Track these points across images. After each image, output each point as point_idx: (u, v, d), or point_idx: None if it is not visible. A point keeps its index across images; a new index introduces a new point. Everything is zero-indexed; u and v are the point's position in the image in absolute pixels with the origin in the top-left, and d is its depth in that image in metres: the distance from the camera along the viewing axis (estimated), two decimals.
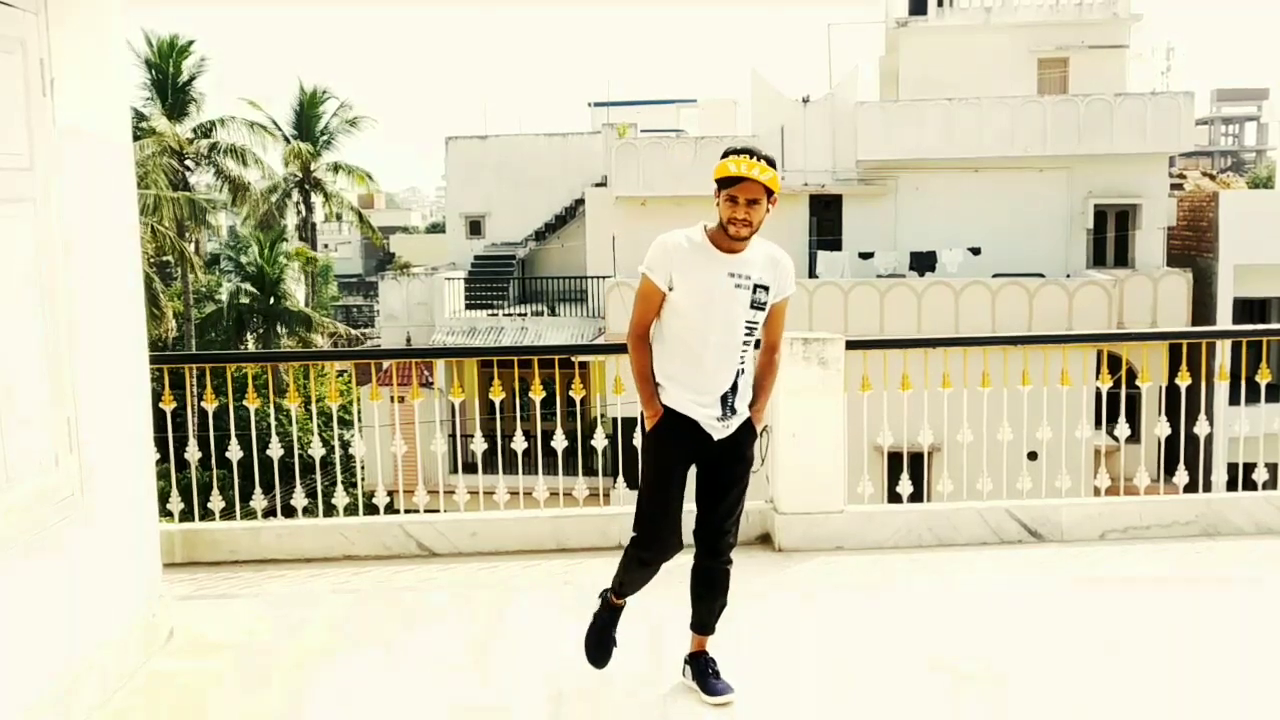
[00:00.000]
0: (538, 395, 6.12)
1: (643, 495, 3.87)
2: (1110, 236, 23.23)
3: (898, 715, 3.89)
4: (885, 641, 4.56)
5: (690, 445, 3.81)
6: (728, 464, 3.85)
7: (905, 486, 6.18)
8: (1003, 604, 5.01)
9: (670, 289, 3.76)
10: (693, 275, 3.72)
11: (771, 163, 3.66)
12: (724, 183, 3.65)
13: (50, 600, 3.72)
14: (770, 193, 3.67)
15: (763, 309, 3.78)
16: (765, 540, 5.92)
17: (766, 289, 3.78)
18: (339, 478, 6.33)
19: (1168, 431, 6.30)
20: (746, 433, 3.88)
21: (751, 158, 3.61)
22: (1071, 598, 5.10)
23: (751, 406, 3.88)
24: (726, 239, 3.71)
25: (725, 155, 3.65)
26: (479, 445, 6.21)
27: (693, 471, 3.89)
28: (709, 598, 3.96)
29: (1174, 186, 24.95)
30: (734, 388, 3.79)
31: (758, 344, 3.92)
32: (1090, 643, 4.47)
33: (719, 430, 3.79)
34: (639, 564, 3.90)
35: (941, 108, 22.89)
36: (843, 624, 4.78)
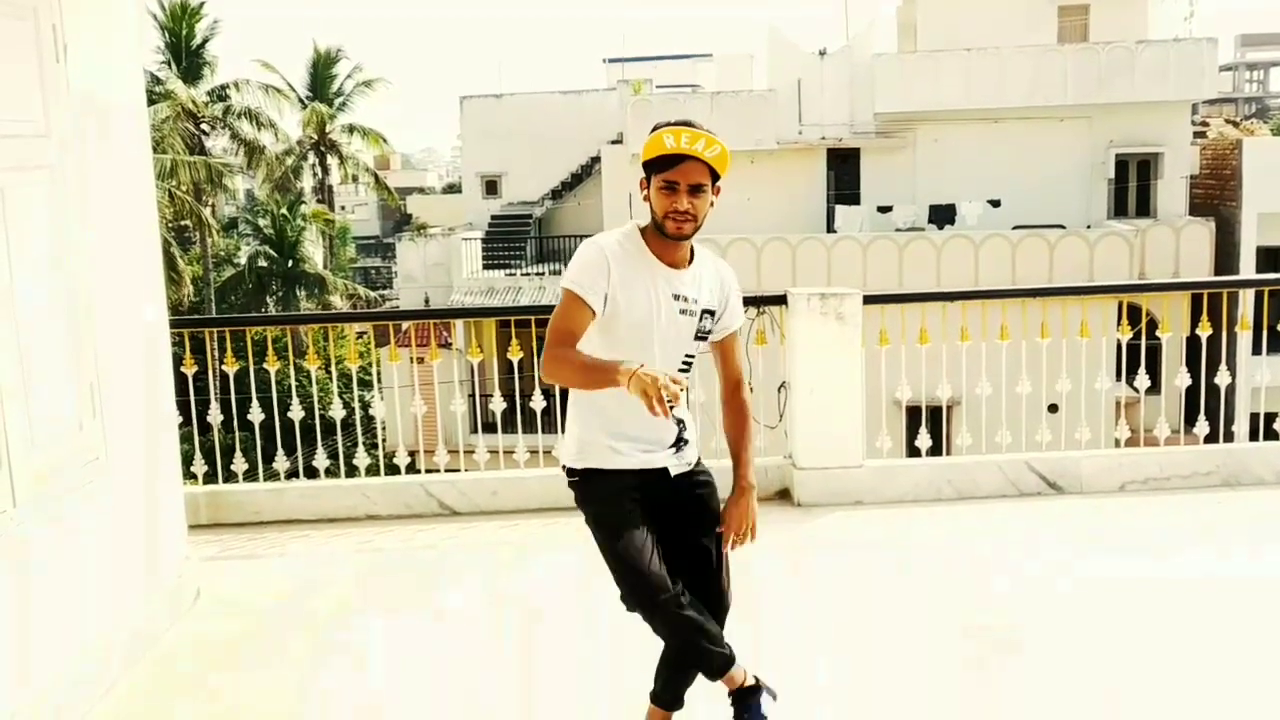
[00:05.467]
0: None
1: (609, 553, 2.95)
2: (1132, 186, 22.99)
3: (919, 667, 3.92)
4: (905, 595, 4.58)
5: (640, 491, 2.95)
6: (694, 520, 3.02)
7: (924, 440, 6.18)
8: (1021, 557, 5.02)
9: (602, 311, 2.85)
10: (630, 290, 2.85)
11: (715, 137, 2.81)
12: (656, 164, 2.81)
13: (77, 564, 3.77)
14: (716, 176, 2.83)
15: (704, 341, 2.99)
16: (784, 495, 5.94)
17: (713, 315, 2.97)
18: (360, 439, 6.39)
19: (1188, 382, 6.26)
20: (708, 484, 3.07)
21: (691, 129, 2.79)
22: (1090, 550, 5.10)
23: (737, 472, 3.07)
24: (664, 242, 2.86)
25: (655, 129, 2.83)
26: (498, 405, 6.24)
27: None
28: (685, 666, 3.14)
29: (1197, 135, 24.58)
30: (679, 425, 2.98)
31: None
32: (1108, 594, 4.48)
33: (675, 464, 2.98)
34: (659, 618, 2.91)
35: (960, 58, 22.58)
36: (862, 577, 4.80)
